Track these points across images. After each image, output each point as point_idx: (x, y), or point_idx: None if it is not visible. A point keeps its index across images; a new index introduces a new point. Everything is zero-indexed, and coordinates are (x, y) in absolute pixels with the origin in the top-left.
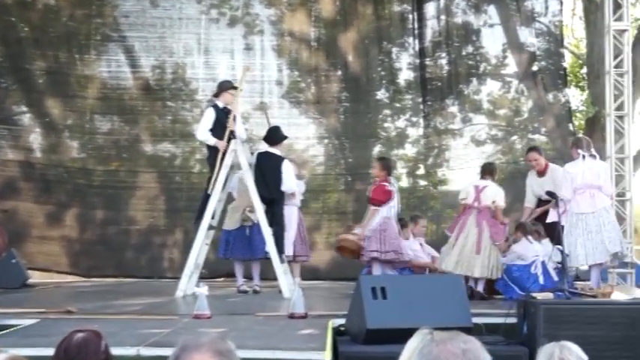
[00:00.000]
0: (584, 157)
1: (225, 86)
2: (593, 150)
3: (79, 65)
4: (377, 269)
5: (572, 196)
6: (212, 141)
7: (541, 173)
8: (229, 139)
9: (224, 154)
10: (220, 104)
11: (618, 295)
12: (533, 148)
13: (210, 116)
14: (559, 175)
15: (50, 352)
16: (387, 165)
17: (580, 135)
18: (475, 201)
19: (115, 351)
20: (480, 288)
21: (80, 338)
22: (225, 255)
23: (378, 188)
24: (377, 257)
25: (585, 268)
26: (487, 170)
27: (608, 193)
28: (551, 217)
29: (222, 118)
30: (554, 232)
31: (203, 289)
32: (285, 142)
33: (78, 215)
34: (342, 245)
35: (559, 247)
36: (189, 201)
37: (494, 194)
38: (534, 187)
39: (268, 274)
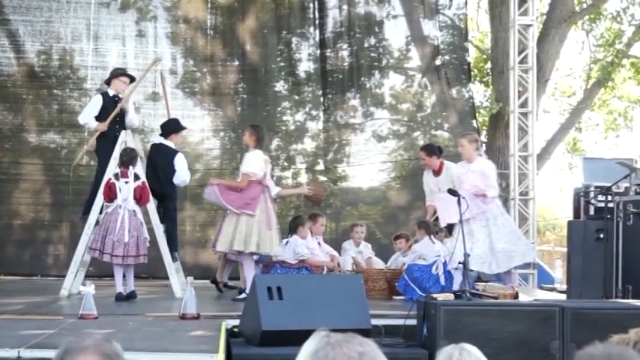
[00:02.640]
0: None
1: (116, 73)
2: None
3: None
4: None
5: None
6: (94, 124)
7: (437, 172)
8: (112, 128)
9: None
10: (111, 92)
11: (520, 297)
12: (422, 147)
13: (96, 103)
14: (454, 173)
15: None
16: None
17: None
18: (265, 177)
19: None
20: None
21: None
22: None
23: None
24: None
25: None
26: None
27: None
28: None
29: (110, 106)
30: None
31: (89, 288)
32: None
33: None
34: None
35: (468, 253)
36: (76, 195)
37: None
38: (431, 185)
39: (159, 273)
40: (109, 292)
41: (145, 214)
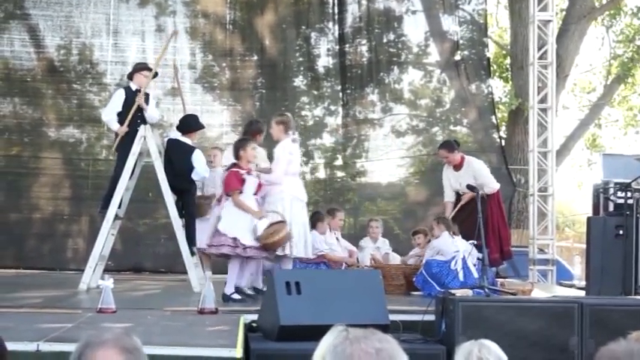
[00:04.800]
0: None
1: (139, 67)
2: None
3: None
4: None
5: None
6: (115, 126)
7: (457, 167)
8: (132, 124)
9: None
10: (133, 86)
11: (538, 293)
12: (442, 145)
13: (119, 98)
14: (476, 167)
15: None
16: None
17: None
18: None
19: (13, 346)
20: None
21: None
22: None
23: None
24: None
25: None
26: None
27: None
28: None
29: (133, 100)
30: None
31: (108, 282)
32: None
33: None
34: None
35: (473, 241)
36: (94, 189)
37: None
38: (452, 181)
39: (177, 268)
40: (128, 286)
41: (164, 208)
